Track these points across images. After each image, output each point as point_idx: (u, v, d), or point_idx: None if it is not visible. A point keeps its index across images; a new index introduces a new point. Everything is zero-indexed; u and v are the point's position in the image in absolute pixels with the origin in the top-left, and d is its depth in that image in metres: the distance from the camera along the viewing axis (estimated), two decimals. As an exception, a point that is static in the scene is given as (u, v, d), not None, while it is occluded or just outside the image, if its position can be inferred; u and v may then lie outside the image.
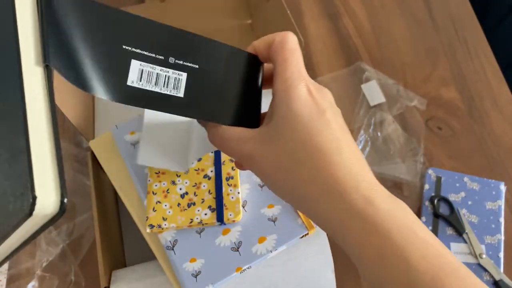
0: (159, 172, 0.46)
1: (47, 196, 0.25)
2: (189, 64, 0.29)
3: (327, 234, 0.34)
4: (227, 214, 0.44)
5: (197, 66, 0.29)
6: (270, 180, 0.29)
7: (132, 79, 0.27)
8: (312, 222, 0.44)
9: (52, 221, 0.26)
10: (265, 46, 0.30)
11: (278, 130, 0.28)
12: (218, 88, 0.30)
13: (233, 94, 0.31)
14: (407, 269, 0.24)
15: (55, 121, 0.26)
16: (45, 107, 0.27)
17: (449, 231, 0.57)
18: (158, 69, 0.28)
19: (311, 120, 0.27)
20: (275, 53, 0.29)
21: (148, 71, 0.28)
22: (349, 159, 0.27)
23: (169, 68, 0.28)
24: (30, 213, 0.24)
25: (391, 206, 0.26)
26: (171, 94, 0.29)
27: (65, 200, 0.26)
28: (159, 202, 0.45)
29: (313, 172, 0.26)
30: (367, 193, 0.26)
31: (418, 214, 0.59)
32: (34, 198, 0.23)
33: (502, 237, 0.56)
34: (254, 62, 0.31)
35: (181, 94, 0.29)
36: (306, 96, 0.28)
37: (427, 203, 0.59)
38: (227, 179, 0.45)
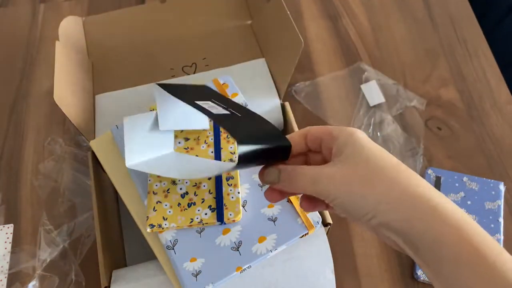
0: (159, 172, 0.46)
1: None
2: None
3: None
4: (227, 214, 0.44)
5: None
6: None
7: None
8: (311, 221, 0.44)
9: None
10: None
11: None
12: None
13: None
14: None
15: None
16: None
17: (449, 230, 0.57)
18: None
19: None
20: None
21: None
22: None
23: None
24: None
25: None
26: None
27: None
28: (159, 201, 0.45)
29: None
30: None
31: (418, 214, 0.59)
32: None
33: (502, 237, 0.56)
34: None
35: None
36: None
37: (426, 203, 0.59)
38: (227, 179, 0.46)
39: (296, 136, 0.35)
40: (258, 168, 0.47)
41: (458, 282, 0.27)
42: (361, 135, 0.31)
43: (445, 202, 0.28)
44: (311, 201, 0.35)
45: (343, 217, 0.59)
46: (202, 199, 0.45)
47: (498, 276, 0.26)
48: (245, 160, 0.30)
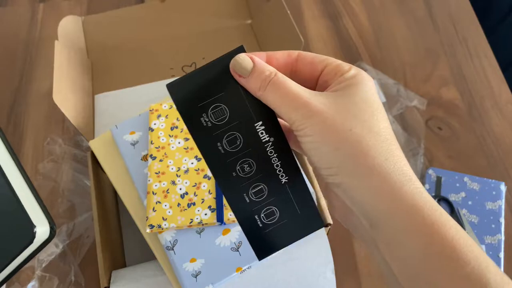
0: (159, 172, 0.46)
1: (42, 226, 0.37)
2: None
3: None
4: (227, 214, 0.43)
5: None
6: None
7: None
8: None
9: (45, 244, 0.38)
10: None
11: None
12: None
13: None
14: None
15: (23, 171, 0.39)
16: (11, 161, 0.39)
17: (449, 231, 0.57)
18: None
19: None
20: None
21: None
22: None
23: None
24: (31, 241, 0.35)
25: None
26: None
27: (54, 227, 0.38)
28: (159, 202, 0.45)
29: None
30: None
31: (418, 214, 0.59)
32: (34, 227, 0.35)
33: (502, 237, 0.56)
34: None
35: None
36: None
37: (427, 203, 0.59)
38: (227, 179, 0.45)
39: (283, 55, 0.30)
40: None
41: (410, 256, 0.25)
42: (372, 84, 0.28)
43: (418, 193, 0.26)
44: None
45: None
46: (202, 199, 0.45)
47: (446, 244, 0.25)
48: None
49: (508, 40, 0.85)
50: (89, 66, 0.64)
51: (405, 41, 0.74)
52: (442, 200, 0.59)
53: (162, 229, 0.44)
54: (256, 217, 0.32)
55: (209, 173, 0.46)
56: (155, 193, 0.45)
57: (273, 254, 0.44)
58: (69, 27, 0.64)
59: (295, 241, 0.33)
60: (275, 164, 0.31)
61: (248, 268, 0.43)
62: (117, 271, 0.48)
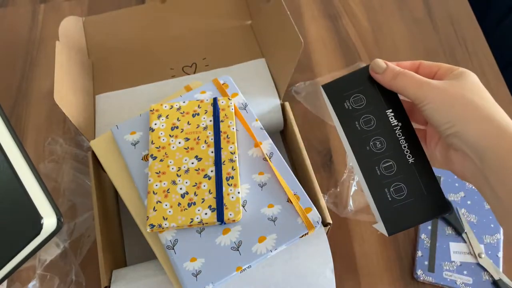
0: (159, 172, 0.46)
1: (49, 218, 0.37)
2: None
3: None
4: (227, 214, 0.44)
5: None
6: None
7: None
8: (312, 221, 0.44)
9: (52, 235, 0.38)
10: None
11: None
12: None
13: None
14: None
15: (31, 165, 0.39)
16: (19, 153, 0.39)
17: (448, 230, 0.57)
18: None
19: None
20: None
21: None
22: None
23: None
24: (38, 232, 0.36)
25: None
26: None
27: (62, 219, 0.39)
28: (159, 201, 0.45)
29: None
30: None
31: (418, 214, 0.59)
32: (41, 218, 0.36)
33: (501, 237, 0.56)
34: None
35: None
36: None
37: (426, 203, 0.59)
38: (227, 179, 0.46)
39: (408, 63, 0.41)
40: (258, 168, 0.47)
41: None
42: (477, 78, 0.37)
43: None
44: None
45: (343, 217, 0.59)
46: (202, 199, 0.45)
47: None
48: None
49: (507, 40, 0.85)
50: (90, 66, 0.65)
51: (405, 41, 0.75)
52: (441, 200, 0.59)
53: (163, 228, 0.44)
54: (386, 190, 0.37)
55: (210, 173, 0.46)
56: (156, 193, 0.45)
57: (273, 254, 0.44)
58: (70, 27, 0.64)
59: (423, 222, 0.36)
60: (402, 145, 0.38)
61: (248, 267, 0.43)
62: (117, 270, 0.48)
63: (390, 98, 0.40)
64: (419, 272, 0.54)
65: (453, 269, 0.54)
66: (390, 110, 0.39)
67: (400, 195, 0.37)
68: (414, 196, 0.37)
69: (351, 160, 0.39)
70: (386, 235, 0.37)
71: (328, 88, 0.41)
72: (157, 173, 0.46)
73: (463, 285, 0.53)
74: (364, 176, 0.37)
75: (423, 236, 0.57)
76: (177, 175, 0.46)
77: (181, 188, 0.46)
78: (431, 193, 0.37)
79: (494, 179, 0.33)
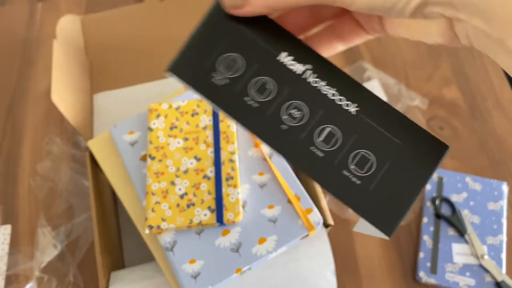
0: (158, 172, 0.46)
1: None
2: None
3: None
4: (227, 215, 0.43)
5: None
6: None
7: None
8: (312, 222, 0.44)
9: None
10: None
11: None
12: None
13: None
14: None
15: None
16: None
17: (451, 231, 0.56)
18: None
19: None
20: None
21: None
22: None
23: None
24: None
25: None
26: None
27: None
28: (158, 202, 0.44)
29: None
30: None
31: (420, 214, 0.58)
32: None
33: (504, 238, 0.56)
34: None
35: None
36: None
37: (428, 203, 0.58)
38: (227, 180, 0.45)
39: None
40: (258, 168, 0.46)
41: None
42: None
43: None
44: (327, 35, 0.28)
45: (344, 219, 0.58)
46: (202, 200, 0.44)
47: None
48: None
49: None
50: (88, 65, 0.64)
51: (407, 40, 0.74)
52: (444, 200, 0.58)
53: (161, 230, 0.43)
54: (345, 172, 0.24)
55: (209, 173, 0.45)
56: (154, 194, 0.45)
57: (273, 255, 0.43)
58: (67, 26, 0.64)
59: (424, 183, 0.24)
60: (329, 95, 0.25)
61: (248, 269, 0.42)
62: (116, 272, 0.47)
63: (273, 34, 0.25)
64: (421, 273, 0.54)
65: (456, 271, 0.54)
66: (286, 54, 0.25)
67: (368, 169, 0.24)
68: (389, 158, 0.24)
69: (273, 155, 0.27)
70: (385, 237, 0.24)
71: (177, 67, 0.26)
72: (155, 173, 0.46)
73: (465, 286, 0.53)
74: (303, 168, 0.24)
75: (425, 237, 0.56)
76: (176, 175, 0.46)
77: (180, 189, 0.45)
78: (409, 140, 0.24)
79: (507, 31, 0.23)
